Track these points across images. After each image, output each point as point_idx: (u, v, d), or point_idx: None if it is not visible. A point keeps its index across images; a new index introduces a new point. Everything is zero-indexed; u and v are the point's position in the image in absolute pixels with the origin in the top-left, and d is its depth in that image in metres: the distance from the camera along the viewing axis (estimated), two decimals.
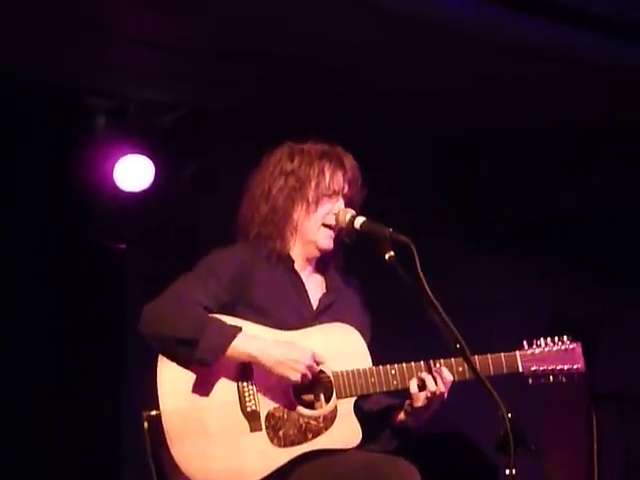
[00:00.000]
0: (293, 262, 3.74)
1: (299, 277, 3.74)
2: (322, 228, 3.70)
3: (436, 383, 3.59)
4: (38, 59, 5.60)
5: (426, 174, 7.02)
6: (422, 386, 3.60)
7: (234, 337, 3.49)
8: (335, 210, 3.70)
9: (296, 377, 3.50)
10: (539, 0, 5.39)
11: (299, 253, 3.75)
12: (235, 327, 3.51)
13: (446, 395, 3.62)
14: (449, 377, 3.61)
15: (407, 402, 3.65)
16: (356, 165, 3.77)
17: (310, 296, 3.74)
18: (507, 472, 3.28)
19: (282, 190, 3.71)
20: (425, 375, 3.60)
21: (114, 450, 5.99)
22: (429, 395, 3.59)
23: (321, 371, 3.59)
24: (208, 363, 3.48)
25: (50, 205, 5.98)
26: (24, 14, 5.05)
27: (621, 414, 6.70)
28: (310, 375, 3.53)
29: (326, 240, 3.71)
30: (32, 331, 5.86)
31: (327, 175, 3.71)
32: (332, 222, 3.70)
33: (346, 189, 3.73)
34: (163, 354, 3.53)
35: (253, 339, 3.52)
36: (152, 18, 5.25)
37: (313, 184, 3.70)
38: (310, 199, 3.69)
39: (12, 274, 5.83)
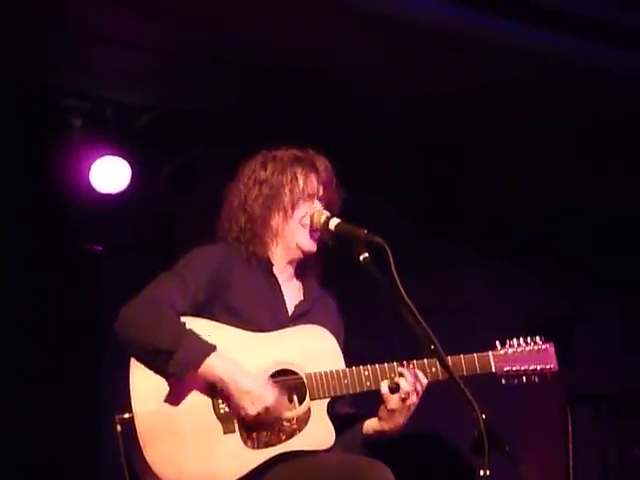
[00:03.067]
0: (272, 265, 3.74)
1: (277, 281, 3.74)
2: (302, 230, 3.71)
3: (409, 384, 3.58)
4: (14, 60, 5.58)
5: (404, 176, 7.03)
6: (395, 388, 3.59)
7: (207, 356, 3.48)
8: (310, 211, 3.71)
9: (252, 411, 3.48)
10: (522, 2, 5.41)
11: (280, 257, 3.75)
12: (210, 345, 3.50)
13: (417, 399, 3.60)
14: (424, 379, 3.61)
15: (381, 407, 3.63)
16: (329, 166, 3.78)
17: (286, 301, 3.73)
18: (481, 473, 3.28)
19: (257, 199, 3.72)
20: (399, 378, 3.59)
21: (89, 453, 5.97)
22: (403, 396, 3.58)
23: (294, 372, 3.59)
24: (178, 378, 3.48)
25: (26, 207, 5.95)
26: None
27: (596, 414, 6.73)
28: (263, 417, 3.49)
29: (308, 242, 3.72)
30: (7, 333, 5.83)
31: (300, 180, 3.72)
32: (307, 222, 3.70)
33: (321, 191, 3.74)
34: (136, 359, 3.52)
35: (225, 361, 3.50)
36: (129, 19, 5.24)
37: (287, 190, 3.71)
38: (286, 205, 3.70)
39: None
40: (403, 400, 3.58)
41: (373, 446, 3.72)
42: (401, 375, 3.59)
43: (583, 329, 6.51)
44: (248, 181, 3.74)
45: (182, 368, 3.46)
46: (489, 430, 3.28)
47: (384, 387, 3.60)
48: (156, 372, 3.49)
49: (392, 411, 3.61)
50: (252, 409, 3.48)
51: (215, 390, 3.53)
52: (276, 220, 3.71)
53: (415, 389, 3.59)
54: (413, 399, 3.60)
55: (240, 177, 3.77)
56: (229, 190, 3.78)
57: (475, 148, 6.74)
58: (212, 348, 3.49)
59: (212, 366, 3.48)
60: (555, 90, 5.98)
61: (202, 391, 3.52)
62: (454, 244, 6.93)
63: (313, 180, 3.74)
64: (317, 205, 3.72)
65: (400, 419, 3.63)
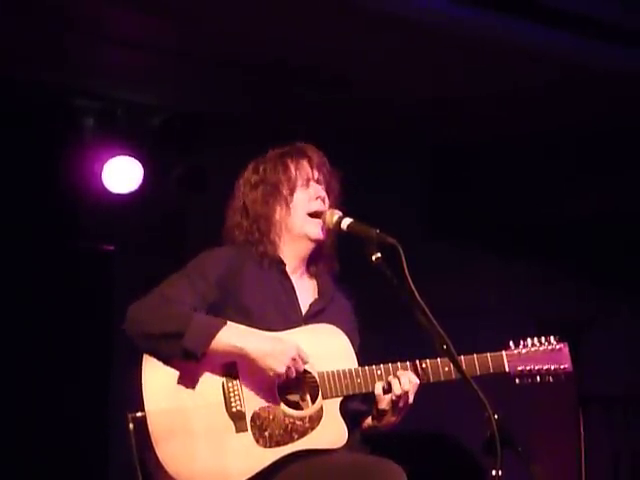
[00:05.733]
0: (284, 265, 3.74)
1: (290, 281, 3.74)
2: (307, 217, 3.72)
3: (401, 386, 3.58)
4: (27, 61, 5.59)
5: (415, 178, 7.03)
6: (388, 389, 3.59)
7: (219, 329, 3.48)
8: (320, 205, 3.72)
9: (281, 369, 3.48)
10: (529, 2, 5.39)
11: (291, 253, 3.75)
12: (220, 320, 3.51)
13: (411, 399, 3.61)
14: (414, 380, 3.61)
15: (373, 406, 3.64)
16: (318, 151, 3.81)
17: (300, 301, 3.74)
18: (493, 473, 3.28)
19: (256, 200, 3.75)
20: (391, 378, 3.59)
21: (101, 451, 5.98)
22: (394, 398, 3.59)
23: (306, 371, 3.59)
24: (194, 355, 3.46)
25: (38, 207, 5.97)
26: (10, 14, 5.04)
27: (608, 416, 6.72)
28: (294, 370, 3.51)
29: (315, 229, 3.72)
30: (20, 333, 5.85)
31: (292, 168, 3.76)
32: (315, 208, 3.72)
33: (316, 174, 3.77)
34: (147, 351, 3.52)
35: (239, 331, 3.51)
36: (140, 20, 5.25)
37: (284, 181, 3.74)
38: (285, 195, 3.73)
39: None
40: (394, 402, 3.59)
41: (371, 441, 3.72)
42: (395, 377, 3.59)
43: (594, 331, 6.49)
44: (244, 188, 3.79)
45: (196, 344, 3.44)
46: (501, 430, 3.28)
47: (378, 388, 3.60)
48: (170, 358, 3.47)
49: (383, 411, 3.62)
50: (280, 366, 3.48)
51: (230, 374, 3.51)
52: (279, 213, 3.73)
53: (406, 391, 3.58)
54: (405, 400, 3.59)
55: (237, 188, 3.81)
56: (228, 204, 3.81)
57: (487, 151, 6.73)
58: (223, 322, 3.50)
59: (227, 337, 3.48)
60: (571, 94, 5.96)
61: (214, 389, 3.52)
62: (465, 247, 6.92)
63: (305, 165, 3.77)
64: (316, 188, 3.72)
65: (392, 418, 3.65)
